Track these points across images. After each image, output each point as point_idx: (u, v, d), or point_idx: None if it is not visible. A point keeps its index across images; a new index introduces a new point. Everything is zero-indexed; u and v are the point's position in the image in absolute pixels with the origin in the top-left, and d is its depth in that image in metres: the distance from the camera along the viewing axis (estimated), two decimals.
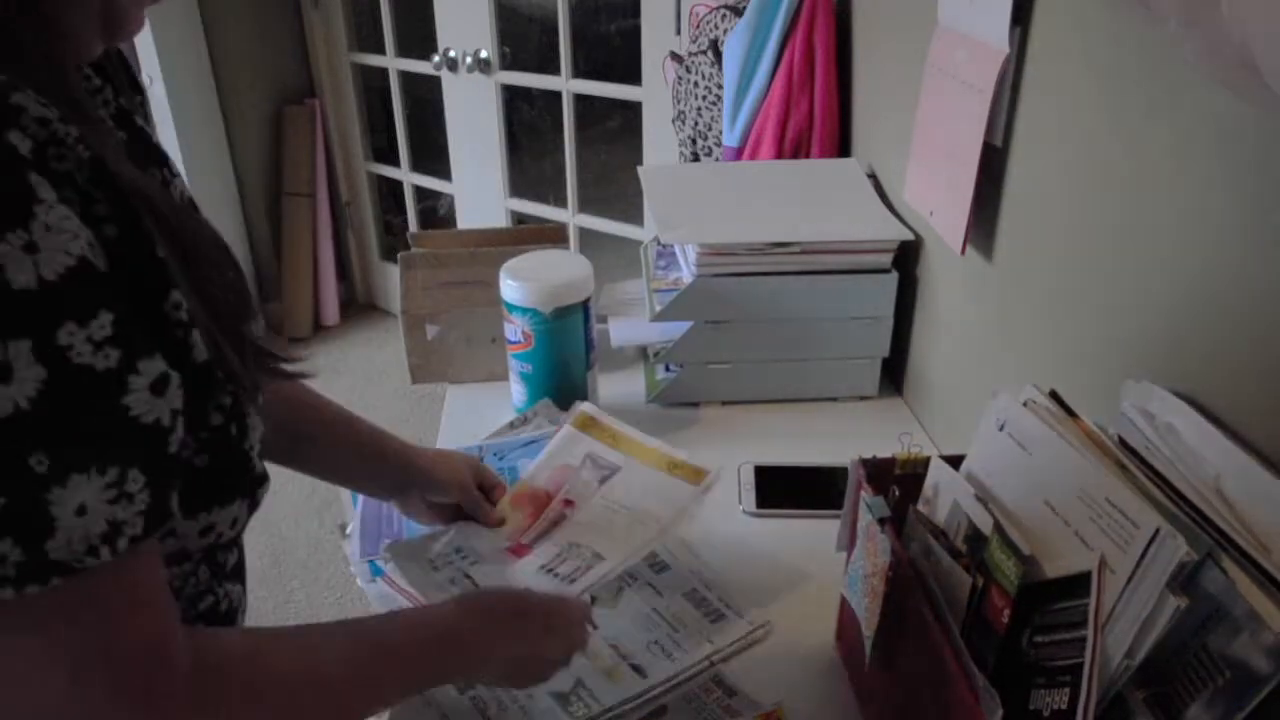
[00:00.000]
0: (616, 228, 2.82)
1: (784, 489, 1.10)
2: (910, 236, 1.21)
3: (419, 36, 3.03)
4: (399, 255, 1.33)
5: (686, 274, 1.26)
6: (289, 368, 0.65)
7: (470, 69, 2.89)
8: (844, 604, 0.84)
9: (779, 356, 1.27)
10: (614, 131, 3.06)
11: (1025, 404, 0.68)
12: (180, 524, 0.53)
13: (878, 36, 1.40)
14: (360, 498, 1.00)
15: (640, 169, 1.43)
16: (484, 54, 2.84)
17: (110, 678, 0.46)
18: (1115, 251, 0.79)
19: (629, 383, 1.33)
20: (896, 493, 0.76)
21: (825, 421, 1.25)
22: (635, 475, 0.98)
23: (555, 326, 1.14)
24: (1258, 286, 0.62)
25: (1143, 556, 0.54)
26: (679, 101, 1.86)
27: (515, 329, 1.16)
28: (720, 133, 1.70)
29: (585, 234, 2.92)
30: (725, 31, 1.67)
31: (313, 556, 2.35)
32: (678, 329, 1.24)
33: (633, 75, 2.51)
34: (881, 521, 0.70)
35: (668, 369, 1.30)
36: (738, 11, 1.64)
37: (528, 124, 3.28)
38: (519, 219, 3.09)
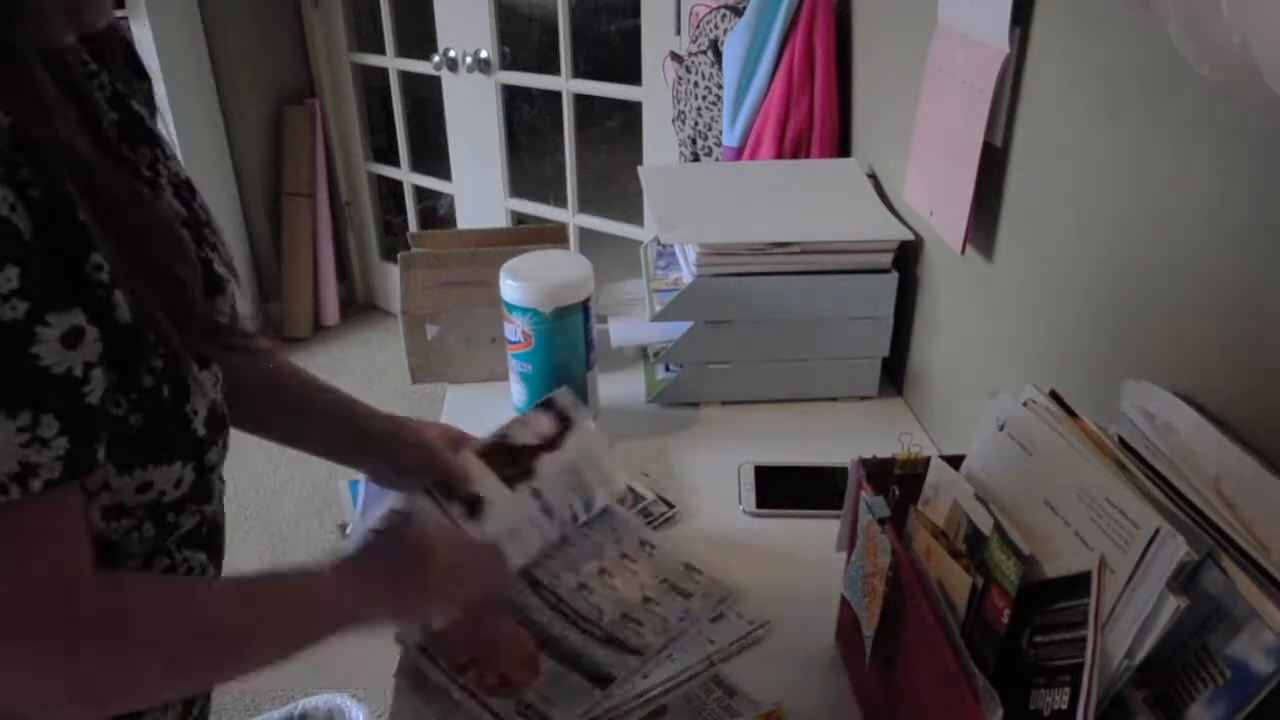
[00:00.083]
0: (616, 228, 2.82)
1: (784, 489, 1.10)
2: (910, 236, 1.21)
3: (419, 36, 3.03)
4: (399, 255, 1.33)
5: (686, 274, 1.26)
6: (249, 343, 0.67)
7: (470, 69, 2.89)
8: (844, 604, 0.84)
9: (779, 356, 1.27)
10: (614, 131, 3.06)
11: (1025, 404, 0.68)
12: (113, 479, 0.56)
13: (878, 36, 1.40)
14: (360, 498, 1.00)
15: (640, 169, 1.43)
16: (484, 54, 2.84)
17: (12, 603, 0.49)
18: (1115, 251, 0.79)
19: (629, 383, 1.33)
20: (896, 493, 0.76)
21: (825, 421, 1.25)
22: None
23: (555, 326, 1.14)
24: (1258, 286, 0.62)
25: (1143, 556, 0.54)
26: (679, 101, 1.86)
27: (515, 329, 1.16)
28: (720, 133, 1.70)
29: (585, 234, 2.92)
30: (725, 31, 1.67)
31: (313, 556, 2.35)
32: (678, 329, 1.24)
33: (633, 75, 2.51)
34: (881, 521, 0.70)
35: (668, 369, 1.30)
36: (738, 11, 1.64)
37: (528, 124, 3.28)
38: (519, 219, 3.09)
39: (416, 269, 1.33)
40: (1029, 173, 0.94)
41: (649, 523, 1.04)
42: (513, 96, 2.98)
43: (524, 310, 1.14)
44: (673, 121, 1.92)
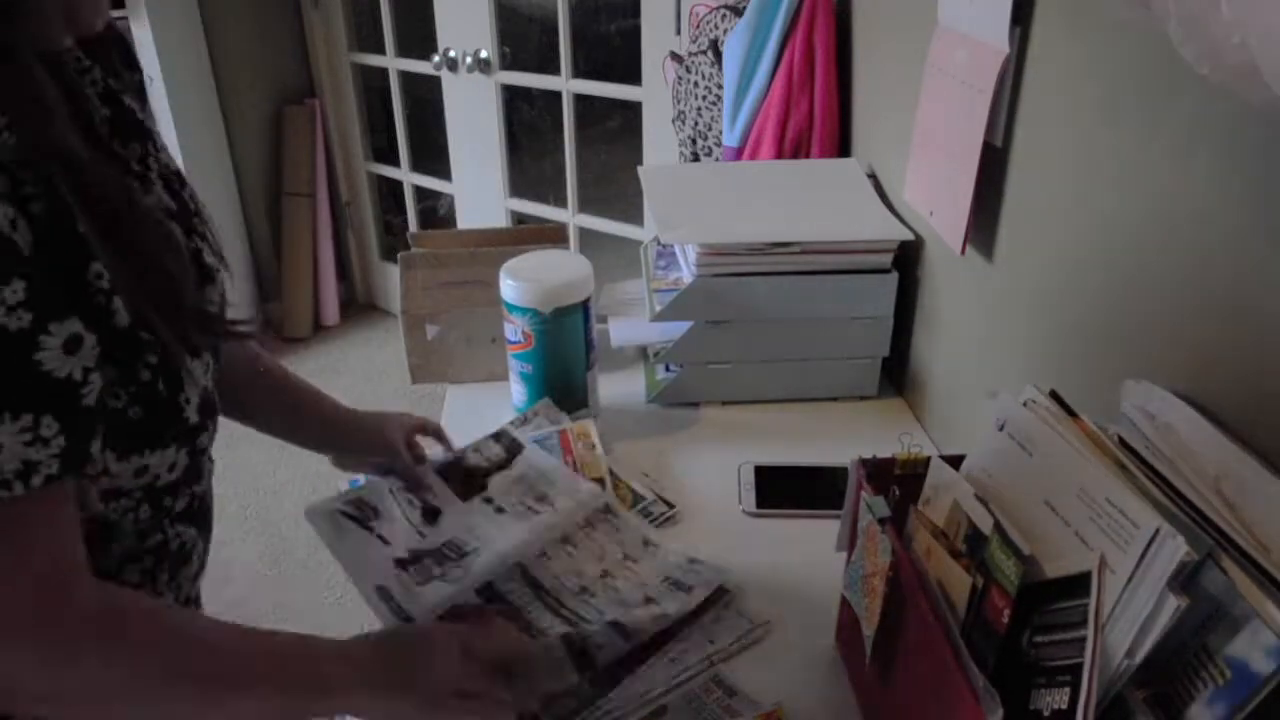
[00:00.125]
0: (616, 228, 2.82)
1: (784, 489, 1.10)
2: (910, 236, 1.21)
3: (419, 36, 3.03)
4: (399, 255, 1.33)
5: (686, 274, 1.26)
6: (235, 329, 0.69)
7: (470, 69, 2.89)
8: (844, 604, 0.84)
9: (779, 356, 1.27)
10: (614, 131, 3.06)
11: (1025, 404, 0.68)
12: (113, 465, 0.59)
13: (878, 36, 1.40)
14: None
15: (640, 169, 1.43)
16: (484, 54, 2.84)
17: (15, 596, 0.52)
18: (1115, 251, 0.79)
19: (629, 383, 1.33)
20: (896, 493, 0.76)
21: (825, 421, 1.25)
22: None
23: (555, 326, 1.14)
24: (1258, 286, 0.62)
25: (1143, 556, 0.54)
26: (679, 101, 1.86)
27: (515, 329, 1.16)
28: (720, 133, 1.70)
29: (585, 234, 2.92)
30: (725, 31, 1.67)
31: (313, 556, 2.35)
32: (678, 329, 1.24)
33: (633, 75, 2.51)
34: (881, 521, 0.70)
35: (668, 369, 1.30)
36: (738, 11, 1.64)
37: (528, 124, 3.28)
38: (519, 219, 3.09)
39: (416, 269, 1.33)
40: (1029, 173, 0.94)
41: (650, 522, 1.05)
42: (513, 96, 2.98)
43: (524, 310, 1.14)
44: (673, 121, 1.92)
